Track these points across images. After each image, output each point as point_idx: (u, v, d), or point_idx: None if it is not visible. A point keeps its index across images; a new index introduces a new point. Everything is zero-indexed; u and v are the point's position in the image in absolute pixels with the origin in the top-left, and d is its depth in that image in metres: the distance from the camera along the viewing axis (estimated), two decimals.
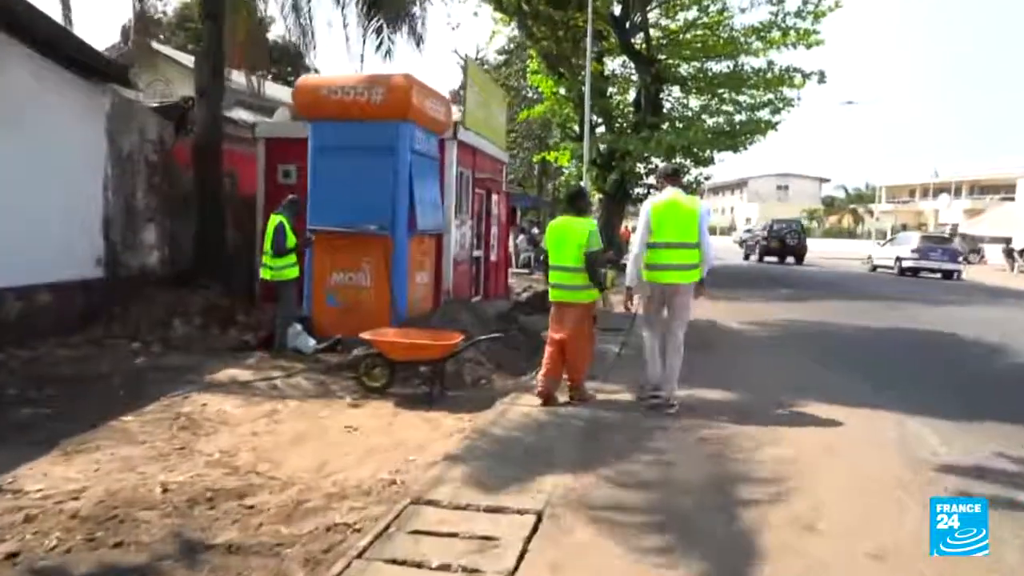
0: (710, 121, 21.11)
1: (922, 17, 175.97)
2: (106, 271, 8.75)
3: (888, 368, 7.94)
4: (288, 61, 30.50)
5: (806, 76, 20.31)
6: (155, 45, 21.62)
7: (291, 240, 7.77)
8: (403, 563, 3.02)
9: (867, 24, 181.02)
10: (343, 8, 11.27)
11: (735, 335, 10.04)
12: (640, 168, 21.53)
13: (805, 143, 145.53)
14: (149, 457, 4.43)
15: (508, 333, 7.82)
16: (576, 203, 6.39)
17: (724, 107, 21.37)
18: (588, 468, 4.27)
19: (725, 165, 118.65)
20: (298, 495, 3.88)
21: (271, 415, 5.52)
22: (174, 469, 4.22)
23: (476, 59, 41.06)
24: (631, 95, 23.76)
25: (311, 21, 12.22)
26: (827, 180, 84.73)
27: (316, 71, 14.80)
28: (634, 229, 6.59)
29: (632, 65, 22.35)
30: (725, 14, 21.15)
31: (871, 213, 62.45)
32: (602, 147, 21.54)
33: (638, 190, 22.64)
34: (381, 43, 12.21)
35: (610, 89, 23.46)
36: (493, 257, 12.57)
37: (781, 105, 20.42)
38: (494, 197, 12.50)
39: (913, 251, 23.96)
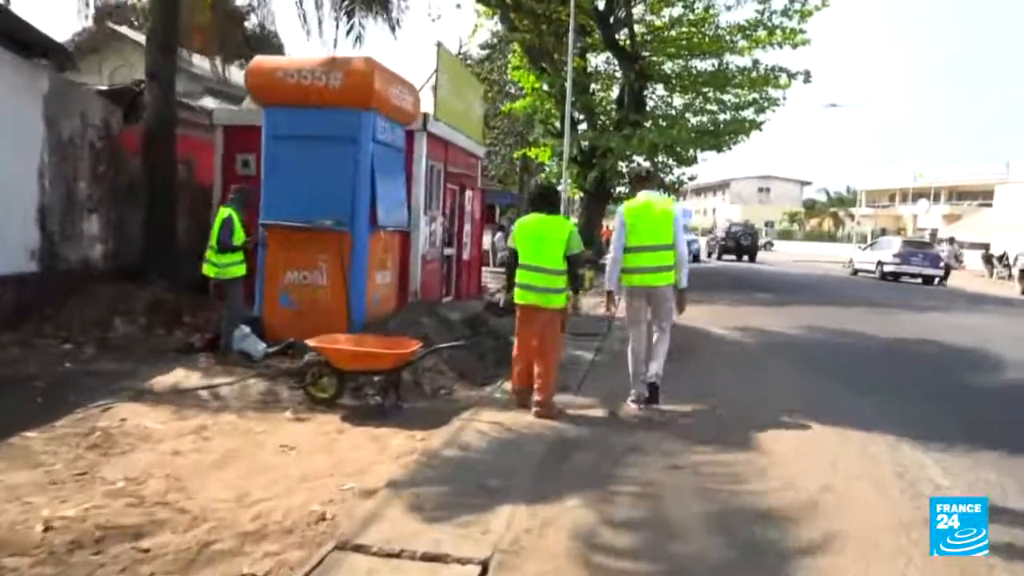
0: (694, 120, 20.70)
1: (908, 20, 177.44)
2: (41, 265, 8.08)
3: (877, 380, 7.46)
4: (271, 52, 29.73)
5: (792, 76, 19.97)
6: (125, 31, 20.81)
7: (239, 236, 7.15)
8: None
9: (852, 26, 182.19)
10: None
11: (716, 342, 9.55)
12: (622, 166, 21.07)
13: (787, 146, 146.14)
14: (41, 484, 3.83)
15: (473, 339, 7.26)
16: (548, 201, 5.97)
17: (708, 106, 20.98)
18: (549, 501, 3.74)
19: (708, 166, 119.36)
20: (207, 534, 3.31)
21: (200, 431, 4.93)
22: (67, 500, 3.62)
23: (459, 54, 40.50)
24: (615, 92, 23.31)
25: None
26: (808, 183, 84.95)
27: None
28: (612, 229, 6.27)
29: (616, 62, 21.89)
30: (711, 11, 20.79)
31: (852, 217, 62.58)
32: (584, 144, 21.06)
33: (620, 189, 22.18)
34: (352, 27, 11.61)
35: (593, 86, 23.00)
36: (466, 256, 12.03)
37: (766, 104, 20.05)
38: (468, 193, 11.95)
39: (895, 256, 23.71)
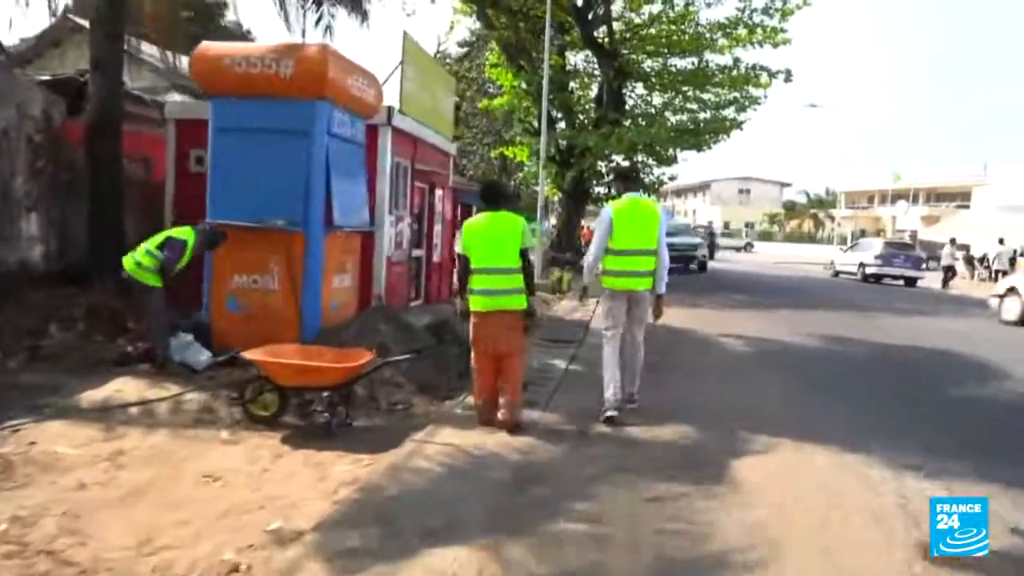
0: (673, 119, 20.29)
1: (890, 20, 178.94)
2: None
3: (866, 391, 7.03)
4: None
5: (772, 75, 19.64)
6: (87, 24, 20.03)
7: (182, 263, 6.53)
8: None
9: (833, 26, 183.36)
10: None
11: (697, 347, 9.11)
12: (601, 166, 20.64)
13: (767, 147, 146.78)
14: None
15: (435, 347, 6.73)
16: (496, 196, 5.53)
17: (688, 105, 20.60)
18: (496, 547, 3.22)
19: (688, 167, 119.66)
20: None
21: (115, 457, 4.37)
22: None
23: (438, 52, 39.95)
24: (594, 91, 22.88)
25: None
26: (788, 184, 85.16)
27: None
28: (593, 230, 5.94)
29: (595, 60, 21.46)
30: (690, 8, 20.37)
31: (832, 218, 62.71)
32: (562, 143, 20.61)
33: (599, 189, 21.77)
34: (321, 17, 11.06)
35: (572, 84, 22.56)
36: (436, 258, 11.46)
37: (747, 103, 19.70)
38: (438, 192, 11.39)
39: (876, 257, 23.47)
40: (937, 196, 58.16)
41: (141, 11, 10.62)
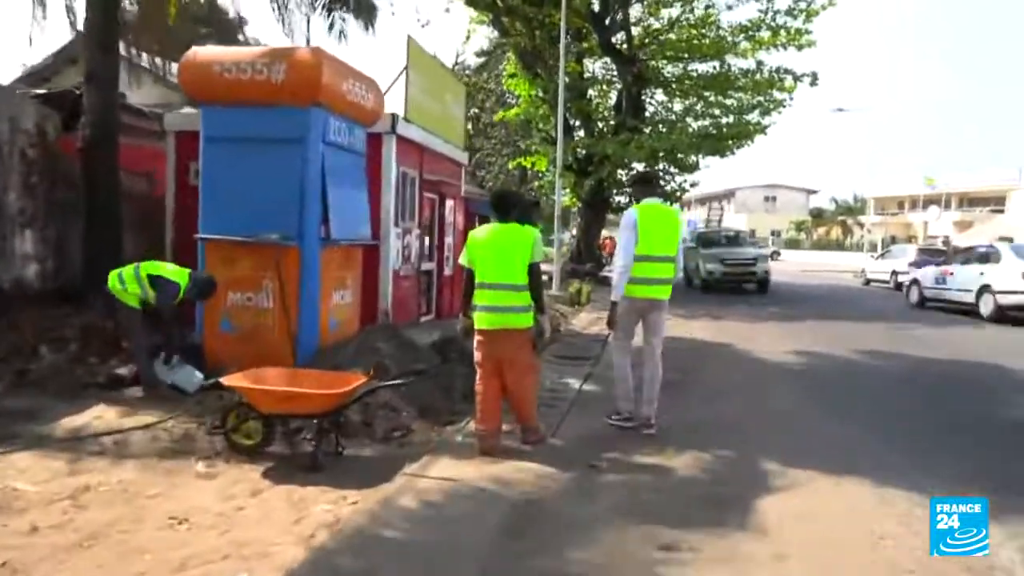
0: (695, 124, 19.71)
1: (918, 20, 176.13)
2: None
3: (909, 415, 6.31)
4: None
5: (797, 78, 18.99)
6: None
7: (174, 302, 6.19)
8: None
9: (859, 26, 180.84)
10: None
11: (720, 364, 8.58)
12: (621, 174, 20.14)
13: (793, 154, 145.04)
14: None
15: (435, 369, 6.29)
16: (506, 207, 5.11)
17: (710, 110, 20.01)
18: None
19: (712, 175, 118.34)
20: None
21: (78, 494, 3.99)
22: None
23: (456, 63, 39.86)
24: (613, 98, 22.43)
25: None
26: (815, 191, 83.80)
27: None
28: (613, 239, 5.56)
29: (613, 66, 21.02)
30: (711, 11, 19.85)
31: (860, 225, 61.48)
32: (580, 152, 20.17)
33: (619, 198, 21.27)
34: (333, 23, 10.78)
35: (590, 91, 22.13)
36: (448, 271, 11.07)
37: (771, 107, 19.05)
38: (449, 202, 11.02)
39: (911, 264, 22.61)
40: (970, 201, 56.83)
41: (155, 26, 10.45)
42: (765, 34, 19.31)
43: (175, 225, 8.64)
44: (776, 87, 19.17)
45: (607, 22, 19.16)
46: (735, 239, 22.32)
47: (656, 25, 20.80)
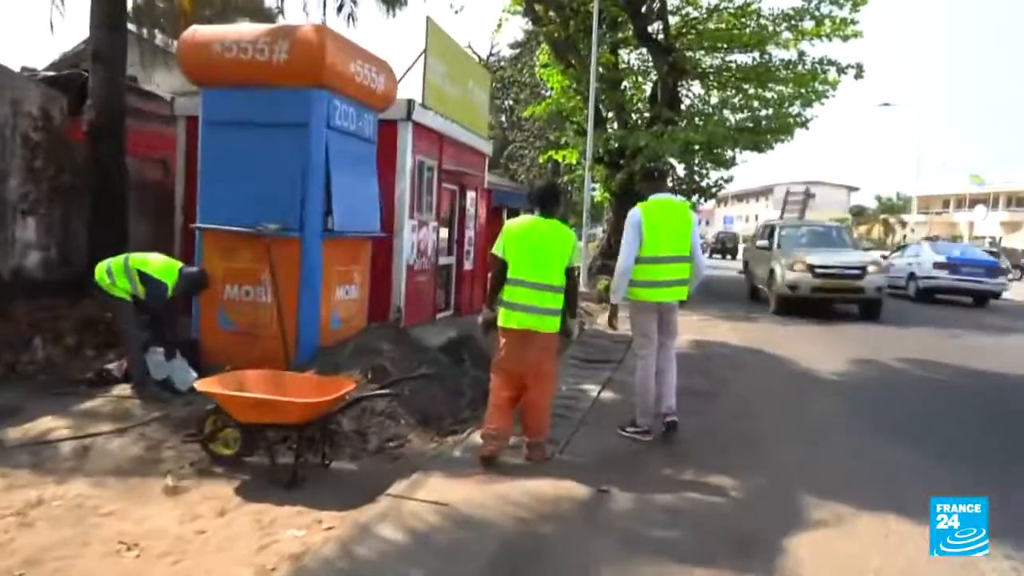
0: (732, 117, 18.91)
1: (970, 10, 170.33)
2: None
3: (960, 435, 5.62)
4: None
5: (842, 70, 18.14)
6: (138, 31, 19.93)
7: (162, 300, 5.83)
8: None
9: (907, 16, 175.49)
10: None
11: (749, 374, 7.97)
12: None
13: (834, 149, 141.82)
14: None
15: (436, 372, 5.82)
16: (554, 201, 4.86)
17: (749, 102, 19.20)
18: None
19: (750, 171, 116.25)
20: None
21: (28, 510, 3.61)
22: None
23: (490, 54, 39.37)
24: (648, 90, 21.74)
25: None
26: (856, 189, 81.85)
27: None
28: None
29: (650, 58, 20.32)
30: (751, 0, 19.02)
31: (904, 224, 59.67)
32: (613, 144, 19.55)
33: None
34: (342, 5, 10.38)
35: (625, 83, 21.46)
36: (468, 265, 10.60)
37: (813, 98, 18.16)
38: (470, 194, 10.54)
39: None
40: (1019, 201, 54.79)
41: (190, 12, 10.17)
42: (808, 24, 18.51)
43: (185, 213, 8.32)
44: (819, 80, 18.34)
45: (643, 10, 18.49)
46: (830, 236, 14.93)
47: (694, 14, 20.06)
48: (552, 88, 21.76)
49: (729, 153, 18.83)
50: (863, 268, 12.81)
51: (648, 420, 5.05)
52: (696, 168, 19.91)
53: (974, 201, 52.49)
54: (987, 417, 6.36)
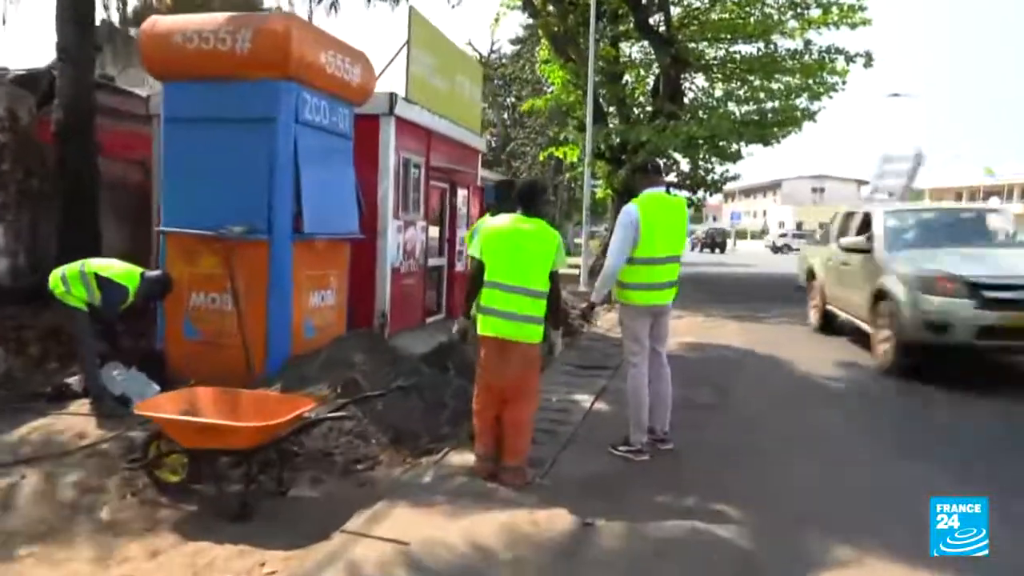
0: (738, 110, 18.38)
1: None
2: None
3: (1002, 460, 4.82)
4: None
5: (850, 59, 17.56)
6: (133, 31, 19.63)
7: (121, 306, 5.42)
8: None
9: (916, 4, 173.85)
10: None
11: (757, 384, 7.49)
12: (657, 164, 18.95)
13: (843, 142, 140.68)
14: None
15: (414, 384, 5.37)
16: (537, 199, 4.42)
17: (755, 94, 18.67)
18: None
19: (758, 166, 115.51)
20: None
21: None
22: None
23: (491, 51, 38.96)
24: (651, 84, 21.24)
25: None
26: (866, 183, 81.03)
27: None
28: None
29: (652, 50, 19.82)
30: None
31: None
32: (614, 139, 19.06)
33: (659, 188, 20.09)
34: None
35: (627, 76, 20.96)
36: (460, 266, 10.18)
37: (821, 90, 17.64)
38: (462, 192, 10.12)
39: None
40: None
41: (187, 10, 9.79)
42: (815, 12, 17.96)
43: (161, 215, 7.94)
44: (827, 69, 17.80)
45: (644, 1, 17.98)
46: (981, 227, 8.60)
47: (696, 4, 19.55)
48: (553, 84, 21.31)
49: (734, 146, 18.31)
50: None
51: (643, 436, 4.63)
52: (701, 162, 19.42)
53: (988, 193, 51.70)
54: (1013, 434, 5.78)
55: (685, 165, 19.53)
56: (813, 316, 10.49)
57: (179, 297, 5.89)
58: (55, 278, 5.45)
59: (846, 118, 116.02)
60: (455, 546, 3.27)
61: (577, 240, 20.40)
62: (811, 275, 10.71)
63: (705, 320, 11.47)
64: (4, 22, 9.26)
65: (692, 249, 44.37)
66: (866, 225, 8.64)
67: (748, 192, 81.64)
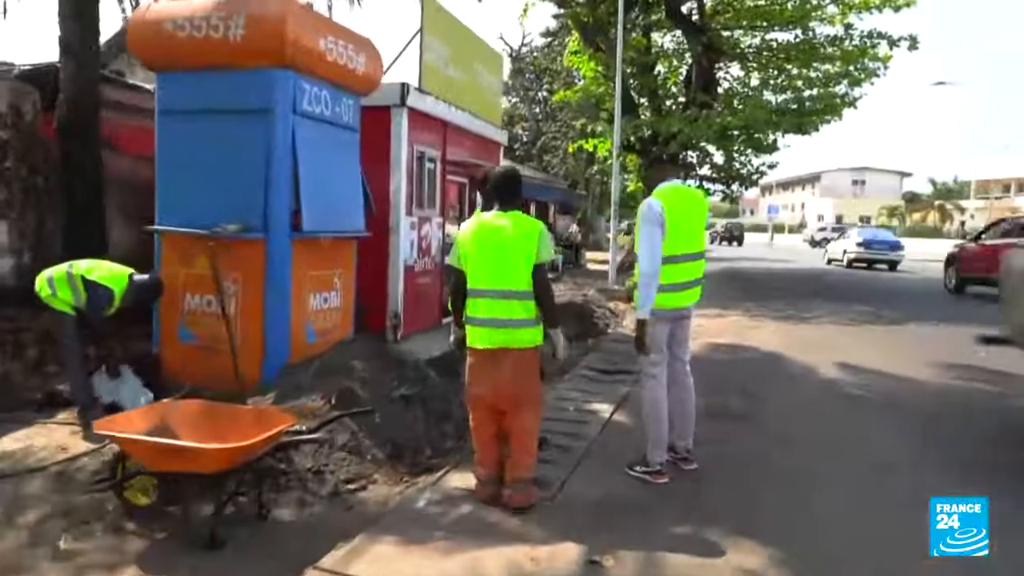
0: (774, 99, 17.63)
1: None
2: None
3: None
4: None
5: (894, 43, 16.68)
6: None
7: (107, 310, 5.12)
8: None
9: None
10: None
11: (790, 392, 6.98)
12: (691, 156, 18.31)
13: (885, 133, 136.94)
14: None
15: (413, 393, 4.99)
16: (510, 191, 3.99)
17: (793, 83, 17.90)
18: None
19: (796, 157, 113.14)
20: None
21: None
22: None
23: (523, 45, 38.44)
24: (684, 74, 20.57)
25: None
26: (909, 174, 78.84)
27: None
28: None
29: (685, 41, 19.16)
30: None
31: (961, 210, 57.00)
32: (645, 131, 18.47)
33: (688, 182, 19.46)
34: None
35: (659, 67, 20.33)
36: None
37: (862, 76, 16.81)
38: None
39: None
40: None
41: None
42: None
43: None
44: (868, 55, 16.96)
45: None
46: None
47: None
48: (584, 76, 20.80)
49: (771, 137, 17.58)
50: None
51: (662, 455, 4.18)
52: (736, 154, 18.72)
53: None
54: None
55: (719, 157, 18.86)
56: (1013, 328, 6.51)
57: (174, 300, 5.61)
58: (42, 280, 5.18)
59: (888, 107, 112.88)
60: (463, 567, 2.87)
61: (609, 235, 19.93)
62: (1006, 295, 6.28)
63: (741, 318, 10.92)
64: (5, 15, 9.06)
65: (712, 242, 46.19)
66: None
67: (786, 185, 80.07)
